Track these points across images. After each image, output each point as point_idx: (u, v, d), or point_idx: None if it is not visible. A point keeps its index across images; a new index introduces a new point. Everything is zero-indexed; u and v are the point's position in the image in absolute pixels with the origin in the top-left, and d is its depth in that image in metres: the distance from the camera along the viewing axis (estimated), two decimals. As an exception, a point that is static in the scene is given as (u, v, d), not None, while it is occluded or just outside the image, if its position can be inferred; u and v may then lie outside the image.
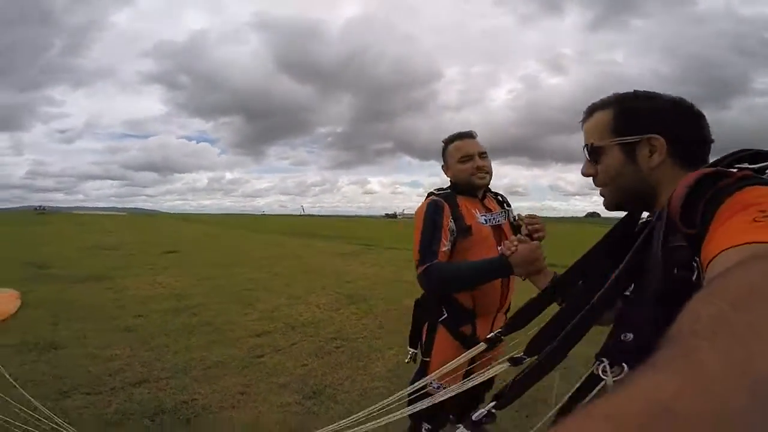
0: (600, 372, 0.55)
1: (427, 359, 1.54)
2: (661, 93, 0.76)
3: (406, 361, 1.65)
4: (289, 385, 2.80)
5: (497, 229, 1.57)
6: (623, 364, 0.54)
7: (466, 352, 1.06)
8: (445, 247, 1.45)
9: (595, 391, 0.58)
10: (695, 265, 0.55)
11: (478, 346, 1.02)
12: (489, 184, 1.61)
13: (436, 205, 1.50)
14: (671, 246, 0.58)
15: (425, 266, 1.41)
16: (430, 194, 1.59)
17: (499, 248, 1.41)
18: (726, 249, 0.45)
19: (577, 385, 0.62)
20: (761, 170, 0.57)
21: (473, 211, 1.55)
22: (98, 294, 5.56)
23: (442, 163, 1.66)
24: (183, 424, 2.32)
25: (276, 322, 4.31)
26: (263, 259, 9.91)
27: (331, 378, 2.92)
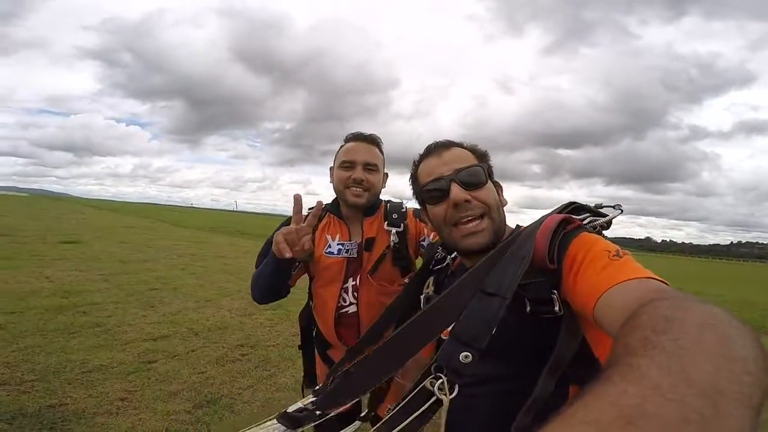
0: (436, 388, 0.56)
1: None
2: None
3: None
4: (180, 393, 2.66)
5: (354, 261, 1.33)
6: (456, 385, 0.56)
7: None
8: None
9: (426, 406, 0.57)
10: (554, 297, 0.63)
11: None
12: (365, 204, 1.33)
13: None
14: (527, 282, 0.62)
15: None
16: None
17: (350, 282, 1.32)
18: (610, 287, 0.54)
19: (406, 399, 0.60)
20: (583, 220, 0.72)
21: (327, 237, 1.35)
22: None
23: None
24: (45, 430, 2.12)
25: (178, 326, 4.07)
26: (180, 257, 9.28)
27: (230, 387, 2.82)
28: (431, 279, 0.95)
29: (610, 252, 0.60)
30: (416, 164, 0.88)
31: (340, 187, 1.33)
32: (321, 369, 1.43)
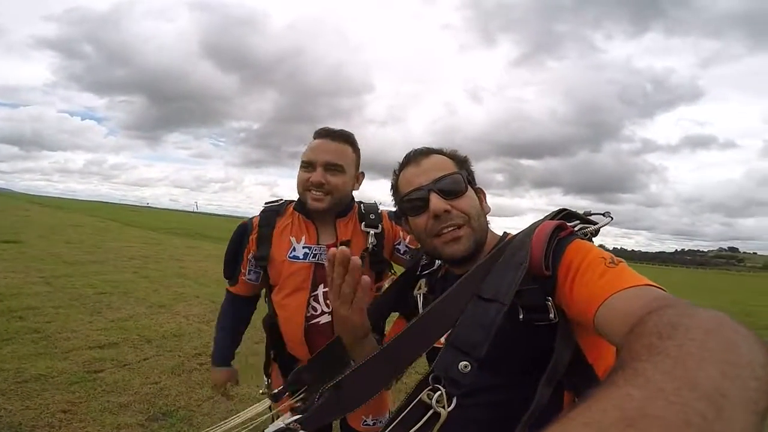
0: (434, 401, 0.53)
1: (266, 392, 1.27)
2: None
3: (261, 392, 1.32)
4: (132, 404, 2.50)
5: (323, 267, 1.13)
6: (454, 398, 0.53)
7: (247, 409, 1.00)
8: (245, 276, 1.31)
9: (423, 421, 0.53)
10: (549, 304, 0.63)
11: (261, 402, 1.01)
12: (327, 209, 1.21)
13: (241, 231, 1.30)
14: (521, 289, 0.61)
15: (226, 289, 1.40)
16: (265, 207, 1.32)
17: (320, 289, 1.22)
18: (611, 295, 0.54)
19: (403, 414, 0.55)
20: (574, 227, 0.71)
21: (291, 239, 1.23)
22: None
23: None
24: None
25: (128, 333, 3.83)
26: (132, 259, 8.74)
27: (188, 398, 2.67)
28: (422, 281, 0.93)
29: (605, 259, 0.60)
30: (396, 174, 0.86)
31: (300, 189, 1.22)
32: (280, 381, 1.29)
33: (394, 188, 0.86)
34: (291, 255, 1.22)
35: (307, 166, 1.20)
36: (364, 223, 1.26)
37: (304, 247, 1.23)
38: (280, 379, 1.31)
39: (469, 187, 0.79)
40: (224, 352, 1.42)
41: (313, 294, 1.22)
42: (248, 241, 1.28)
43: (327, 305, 1.22)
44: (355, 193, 1.32)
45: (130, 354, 3.33)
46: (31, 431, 2.12)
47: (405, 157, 0.84)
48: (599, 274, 0.59)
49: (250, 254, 1.28)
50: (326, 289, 1.20)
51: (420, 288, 0.92)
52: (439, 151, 0.83)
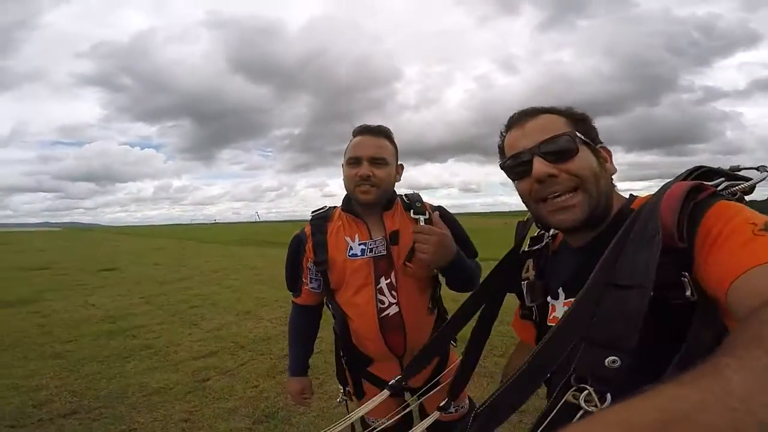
0: (582, 401, 0.48)
1: (345, 399, 1.44)
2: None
3: (338, 401, 1.47)
4: (238, 409, 2.68)
5: (382, 259, 1.25)
6: (608, 394, 0.47)
7: (366, 404, 1.01)
8: (308, 285, 1.35)
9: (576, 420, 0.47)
10: (685, 281, 0.53)
11: (381, 393, 1.01)
12: (376, 202, 1.26)
13: (296, 243, 1.35)
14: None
15: (292, 301, 1.44)
16: (313, 217, 1.37)
17: (383, 281, 1.25)
18: (751, 267, 0.45)
19: (551, 416, 0.51)
20: (717, 186, 0.60)
21: (345, 239, 1.28)
22: (24, 319, 5.07)
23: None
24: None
25: (223, 342, 4.14)
26: (212, 273, 9.50)
27: (284, 399, 2.79)
28: (530, 262, 0.84)
29: (756, 225, 0.50)
30: (502, 135, 0.78)
31: (350, 185, 1.26)
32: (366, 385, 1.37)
33: (501, 150, 0.78)
34: (350, 254, 1.26)
35: (354, 162, 1.25)
36: (412, 210, 1.29)
37: (360, 244, 1.27)
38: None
39: (583, 147, 0.69)
40: (298, 363, 1.47)
41: (377, 287, 1.25)
42: (305, 251, 1.32)
43: (393, 296, 1.25)
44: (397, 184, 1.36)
45: (229, 361, 3.59)
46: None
47: (509, 118, 0.76)
48: (742, 243, 0.49)
49: (309, 262, 1.32)
50: (388, 281, 1.25)
51: (528, 270, 0.83)
52: (550, 110, 0.73)
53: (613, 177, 0.73)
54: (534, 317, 0.84)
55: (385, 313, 1.25)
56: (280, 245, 18.13)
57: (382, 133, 1.29)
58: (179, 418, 2.57)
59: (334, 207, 1.38)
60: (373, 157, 1.23)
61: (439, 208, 1.34)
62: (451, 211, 1.38)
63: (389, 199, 1.31)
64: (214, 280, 8.33)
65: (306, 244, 1.32)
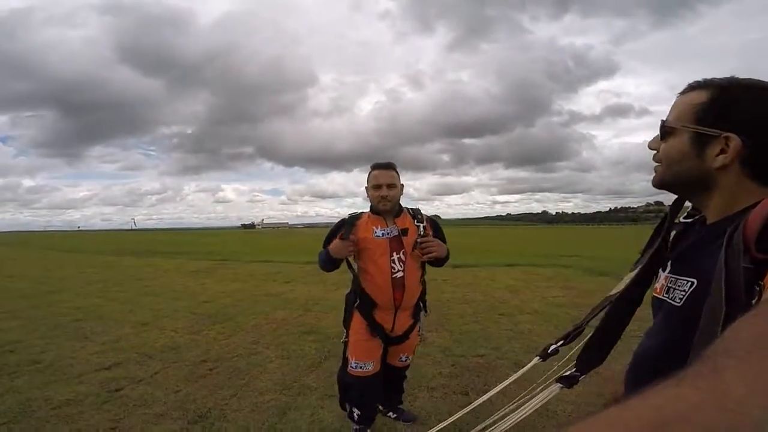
0: None
1: (346, 340, 2.14)
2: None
3: (342, 340, 2.18)
4: (167, 413, 2.59)
5: (396, 239, 2.05)
6: None
7: (520, 371, 0.92)
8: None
9: None
10: (758, 289, 0.50)
11: (532, 362, 0.91)
12: (391, 209, 2.06)
13: (341, 222, 2.15)
14: (743, 267, 0.51)
15: (324, 247, 2.11)
16: (350, 215, 2.15)
17: (395, 255, 2.04)
18: None
19: None
20: None
21: (372, 227, 2.06)
22: None
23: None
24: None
25: (126, 353, 3.84)
26: (90, 284, 8.32)
27: (214, 399, 2.76)
28: (674, 233, 0.83)
29: None
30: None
31: (374, 201, 2.06)
32: (359, 326, 2.10)
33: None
34: (375, 234, 2.05)
35: (376, 187, 2.04)
36: (416, 219, 2.10)
37: (381, 230, 2.06)
38: (361, 323, 2.09)
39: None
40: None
41: (392, 258, 2.03)
42: (342, 228, 2.07)
43: (401, 266, 2.04)
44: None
45: (139, 371, 3.37)
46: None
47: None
48: None
49: (343, 234, 2.04)
50: (398, 255, 2.03)
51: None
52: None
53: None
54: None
55: (395, 275, 2.03)
56: (165, 255, 16.47)
57: (393, 167, 2.08)
58: (106, 427, 2.43)
59: (364, 211, 2.15)
60: (388, 183, 2.02)
61: (433, 218, 2.17)
62: None
63: (398, 209, 2.10)
64: (94, 292, 7.33)
65: (341, 225, 2.09)
